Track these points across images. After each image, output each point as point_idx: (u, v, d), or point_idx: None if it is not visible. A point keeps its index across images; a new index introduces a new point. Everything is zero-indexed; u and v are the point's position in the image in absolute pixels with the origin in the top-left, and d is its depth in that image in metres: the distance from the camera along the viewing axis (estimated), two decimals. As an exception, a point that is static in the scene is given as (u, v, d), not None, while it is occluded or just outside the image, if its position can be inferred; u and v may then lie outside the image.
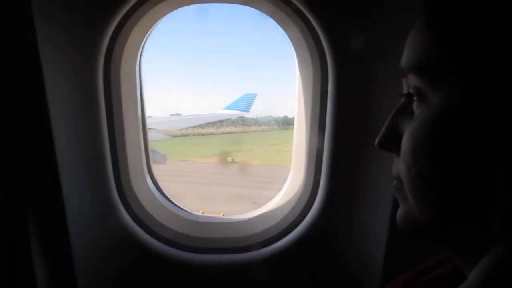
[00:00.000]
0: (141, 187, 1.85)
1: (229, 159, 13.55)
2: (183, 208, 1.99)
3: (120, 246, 1.76)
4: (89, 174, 1.64)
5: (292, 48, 1.74)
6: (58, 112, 1.43)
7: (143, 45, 1.79)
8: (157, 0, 1.58)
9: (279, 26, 1.69)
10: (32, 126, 1.40)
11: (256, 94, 13.34)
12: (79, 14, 1.45)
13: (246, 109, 12.72)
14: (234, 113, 12.67)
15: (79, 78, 1.53)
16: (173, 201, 1.99)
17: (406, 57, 0.64)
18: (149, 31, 1.75)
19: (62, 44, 1.45)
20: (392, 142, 0.67)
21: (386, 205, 1.47)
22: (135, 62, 1.75)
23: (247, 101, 12.98)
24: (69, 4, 1.43)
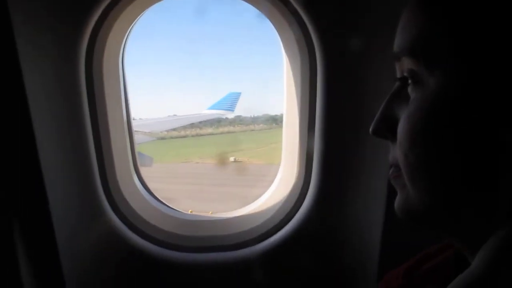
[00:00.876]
0: (128, 188, 1.81)
1: (232, 158, 13.52)
2: (173, 208, 1.95)
3: (109, 249, 1.72)
4: (75, 177, 1.60)
5: (281, 44, 1.72)
6: (39, 114, 1.39)
7: (125, 42, 1.75)
8: None
9: (262, 22, 1.67)
10: (13, 130, 1.35)
11: (240, 93, 13.34)
12: (56, 11, 1.40)
13: (230, 109, 12.72)
14: (219, 113, 12.65)
15: (61, 78, 1.49)
16: (162, 200, 1.95)
17: (399, 40, 0.62)
18: (131, 26, 1.71)
19: (41, 43, 1.41)
20: (387, 128, 0.64)
21: (380, 199, 1.46)
22: (118, 59, 1.70)
23: (231, 100, 12.97)
24: (46, 2, 1.38)
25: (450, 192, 0.57)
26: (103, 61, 1.60)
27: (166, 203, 1.95)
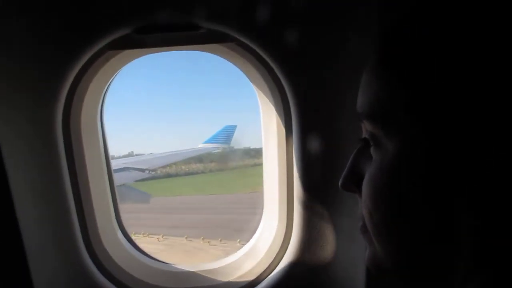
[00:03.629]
0: (111, 242, 1.77)
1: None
2: (158, 260, 1.91)
3: None
4: (55, 234, 1.57)
5: (257, 96, 1.74)
6: (15, 170, 1.37)
7: (105, 93, 1.76)
8: (116, 52, 1.55)
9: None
10: None
11: (236, 126, 13.44)
12: (35, 64, 1.41)
13: (226, 142, 12.77)
14: (215, 146, 12.68)
15: (37, 132, 1.48)
16: (147, 253, 1.91)
17: (359, 101, 0.63)
18: (110, 80, 1.72)
19: (17, 98, 1.41)
20: (354, 183, 0.65)
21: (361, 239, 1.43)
22: (96, 111, 1.71)
23: (227, 133, 13.03)
24: (24, 55, 1.39)
25: (414, 251, 0.58)
26: (81, 114, 1.60)
27: (151, 256, 1.91)
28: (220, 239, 11.74)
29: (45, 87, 1.44)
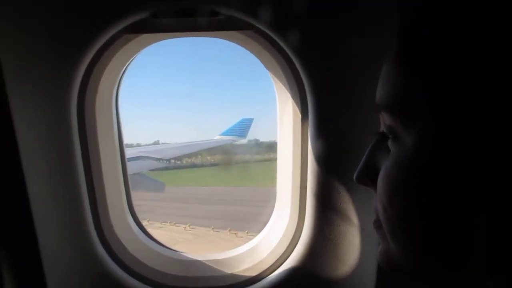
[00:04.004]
0: (122, 228, 1.78)
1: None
2: (167, 246, 1.91)
3: None
4: (67, 219, 1.57)
5: (273, 84, 1.71)
6: (29, 155, 1.38)
7: (121, 78, 1.75)
8: (132, 36, 1.53)
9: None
10: (2, 170, 1.34)
11: (253, 119, 13.44)
12: (49, 49, 1.40)
13: (242, 135, 12.78)
14: (231, 139, 12.71)
15: (51, 116, 1.47)
16: (156, 239, 1.91)
17: (378, 93, 0.62)
18: (126, 65, 1.71)
19: (32, 81, 1.40)
20: (370, 177, 0.65)
21: (374, 238, 1.41)
22: (111, 96, 1.70)
23: (244, 126, 13.04)
24: (40, 37, 1.38)
25: (429, 248, 0.57)
26: (96, 99, 1.60)
27: (161, 243, 1.91)
28: (247, 231, 11.83)
29: (60, 70, 1.43)
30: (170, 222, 13.03)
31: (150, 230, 1.93)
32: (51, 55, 1.40)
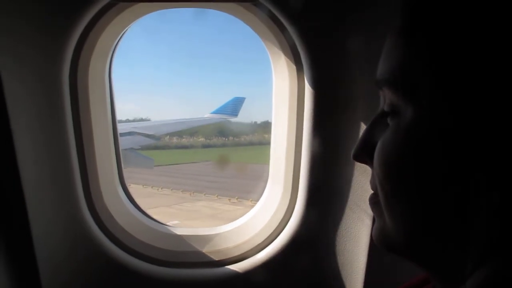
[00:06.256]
0: (113, 201, 1.76)
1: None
2: (159, 221, 1.90)
3: (93, 265, 1.68)
4: (57, 190, 1.56)
5: (270, 58, 1.69)
6: (20, 127, 1.35)
7: (114, 50, 1.71)
8: (127, 5, 1.49)
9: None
10: None
11: (244, 98, 13.37)
12: (40, 17, 1.36)
13: (234, 113, 12.70)
14: (222, 117, 12.65)
15: (43, 85, 1.44)
16: (147, 213, 1.90)
17: (380, 69, 0.61)
18: (120, 36, 1.67)
19: (23, 50, 1.37)
20: (367, 154, 0.64)
21: (367, 214, 1.43)
22: (104, 67, 1.66)
23: (235, 105, 12.96)
24: (30, 7, 1.34)
25: (425, 224, 0.56)
26: (89, 70, 1.57)
27: (152, 217, 1.90)
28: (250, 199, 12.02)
29: (51, 39, 1.39)
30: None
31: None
32: (42, 24, 1.36)
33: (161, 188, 14.19)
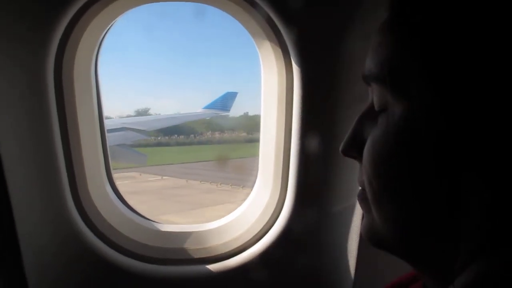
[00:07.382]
0: (101, 198, 1.74)
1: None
2: (147, 218, 1.89)
3: (82, 264, 1.66)
4: (43, 185, 1.53)
5: (258, 51, 1.67)
6: (2, 121, 1.33)
7: (100, 44, 1.68)
8: None
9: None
10: None
11: (237, 93, 13.32)
12: (22, 11, 1.33)
13: (226, 108, 12.67)
14: (214, 112, 12.60)
15: (27, 81, 1.41)
16: (135, 210, 1.88)
17: (368, 64, 0.60)
18: (106, 29, 1.64)
19: (5, 45, 1.34)
20: (356, 149, 0.63)
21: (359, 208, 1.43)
22: (90, 63, 1.63)
23: (228, 100, 12.92)
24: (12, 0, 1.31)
25: (413, 221, 0.56)
26: (74, 64, 1.54)
27: (140, 213, 1.88)
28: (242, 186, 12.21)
29: (35, 35, 1.36)
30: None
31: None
32: (24, 18, 1.33)
33: (220, 184, 14.08)
